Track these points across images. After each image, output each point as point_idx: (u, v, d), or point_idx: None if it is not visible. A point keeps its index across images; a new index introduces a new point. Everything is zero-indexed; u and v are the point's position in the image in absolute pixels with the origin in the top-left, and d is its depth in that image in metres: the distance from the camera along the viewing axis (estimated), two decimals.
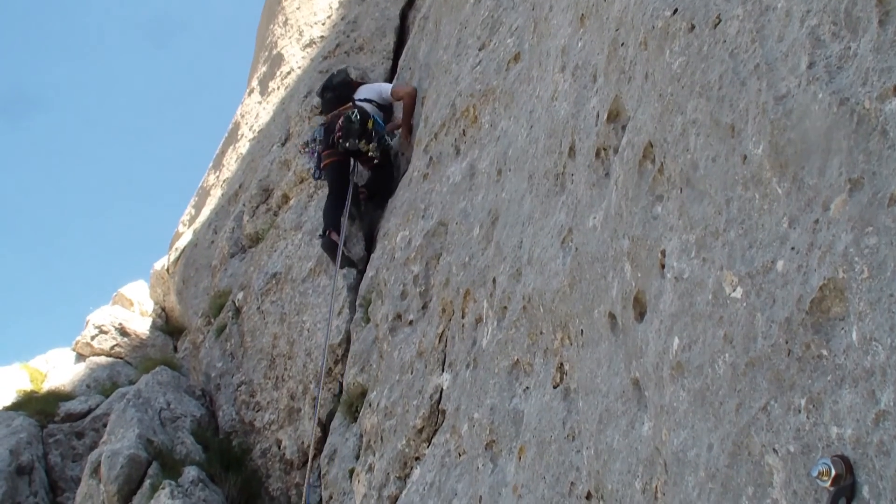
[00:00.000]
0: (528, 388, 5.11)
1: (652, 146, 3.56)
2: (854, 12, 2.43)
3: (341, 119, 10.38)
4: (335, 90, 10.91)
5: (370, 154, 10.16)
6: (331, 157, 10.57)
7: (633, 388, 3.54)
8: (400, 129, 10.76)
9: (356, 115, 10.13)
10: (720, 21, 3.16)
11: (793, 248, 2.46)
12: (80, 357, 16.08)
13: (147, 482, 10.39)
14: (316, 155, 10.78)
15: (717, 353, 2.75)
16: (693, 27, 3.34)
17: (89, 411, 13.62)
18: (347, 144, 10.19)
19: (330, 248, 10.32)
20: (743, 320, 2.63)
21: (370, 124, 10.20)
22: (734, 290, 2.70)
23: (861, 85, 2.30)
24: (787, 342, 2.40)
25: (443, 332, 7.10)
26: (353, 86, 11.10)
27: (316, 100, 12.95)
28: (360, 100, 10.69)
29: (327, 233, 10.23)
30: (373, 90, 10.96)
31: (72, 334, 16.66)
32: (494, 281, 5.99)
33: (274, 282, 11.72)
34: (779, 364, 2.43)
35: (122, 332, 16.04)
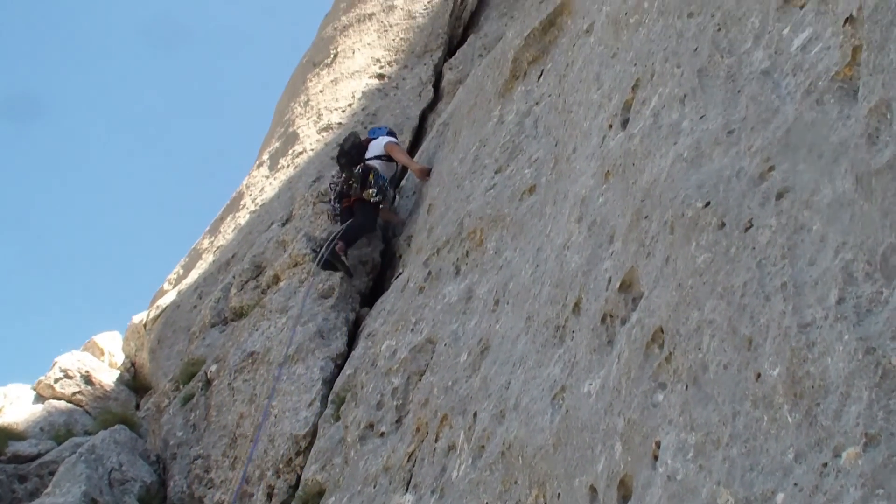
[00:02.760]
0: None
1: (663, 332, 3.54)
2: (892, 259, 2.43)
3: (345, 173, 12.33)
4: (348, 155, 12.45)
5: (372, 199, 11.87)
6: (347, 202, 12.23)
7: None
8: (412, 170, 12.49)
9: (359, 171, 12.08)
10: (751, 226, 3.17)
11: (796, 485, 2.42)
12: (40, 398, 15.75)
13: None
14: (333, 206, 12.55)
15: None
16: (723, 225, 3.35)
17: (38, 456, 13.27)
18: (352, 193, 12.03)
19: (327, 264, 11.44)
20: None
21: (371, 176, 12.01)
22: None
23: (891, 338, 2.29)
24: None
25: (413, 451, 7.00)
26: (364, 145, 12.66)
27: (323, 186, 13.25)
28: (369, 159, 12.33)
29: (334, 246, 11.45)
30: (378, 146, 12.58)
31: (34, 372, 16.40)
32: (475, 415, 5.93)
33: (250, 360, 11.59)
34: None
35: (88, 380, 15.78)
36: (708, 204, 3.52)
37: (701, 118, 4.10)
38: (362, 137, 13.00)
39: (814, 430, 2.44)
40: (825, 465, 2.34)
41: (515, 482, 4.91)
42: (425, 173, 11.77)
